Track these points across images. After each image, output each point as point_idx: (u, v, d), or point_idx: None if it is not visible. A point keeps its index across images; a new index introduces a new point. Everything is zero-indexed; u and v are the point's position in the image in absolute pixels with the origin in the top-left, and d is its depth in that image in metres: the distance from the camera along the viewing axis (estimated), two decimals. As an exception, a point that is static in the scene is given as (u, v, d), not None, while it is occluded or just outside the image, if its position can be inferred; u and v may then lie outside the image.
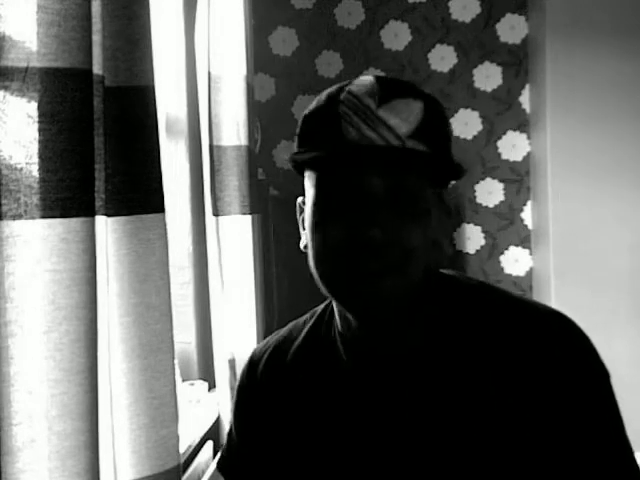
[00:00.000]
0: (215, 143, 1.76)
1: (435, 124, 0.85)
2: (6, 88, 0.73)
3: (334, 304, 0.93)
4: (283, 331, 1.04)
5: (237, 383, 1.07)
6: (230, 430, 1.07)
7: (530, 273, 2.78)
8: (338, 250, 0.82)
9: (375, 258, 0.80)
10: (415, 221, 0.82)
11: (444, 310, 0.89)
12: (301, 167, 0.89)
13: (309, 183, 0.87)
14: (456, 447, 0.84)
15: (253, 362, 1.04)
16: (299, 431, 0.94)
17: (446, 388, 0.86)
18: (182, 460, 1.41)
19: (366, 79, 0.86)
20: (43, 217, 0.76)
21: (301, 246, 0.91)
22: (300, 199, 0.93)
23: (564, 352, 0.84)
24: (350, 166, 0.82)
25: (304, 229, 0.91)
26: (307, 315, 1.03)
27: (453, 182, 0.91)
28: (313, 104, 0.89)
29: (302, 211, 0.92)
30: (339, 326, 0.93)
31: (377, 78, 0.86)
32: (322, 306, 1.01)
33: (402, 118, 0.82)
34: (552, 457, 0.82)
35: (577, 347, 0.85)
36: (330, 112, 0.84)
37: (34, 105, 0.75)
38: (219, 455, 1.09)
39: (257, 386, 1.01)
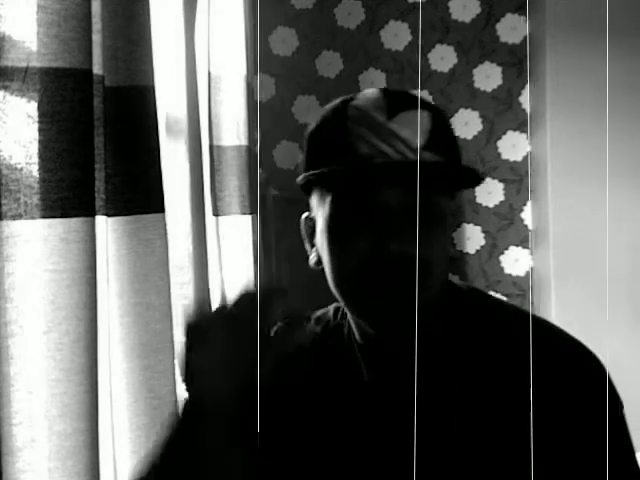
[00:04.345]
0: (215, 143, 1.76)
1: (444, 132, 0.85)
2: (6, 88, 0.74)
3: (350, 317, 0.92)
4: None
5: None
6: None
7: (530, 273, 2.78)
8: (361, 267, 0.81)
9: (399, 272, 0.80)
10: (435, 232, 0.82)
11: (464, 320, 0.89)
12: (308, 185, 0.88)
13: (321, 201, 0.86)
14: (465, 455, 0.84)
15: None
16: (317, 447, 0.93)
17: (457, 395, 0.86)
18: (182, 460, 1.41)
19: (370, 92, 0.85)
20: (43, 217, 0.76)
21: (310, 263, 0.90)
22: (305, 215, 0.92)
23: (579, 377, 0.83)
24: (368, 182, 0.81)
25: (312, 246, 0.90)
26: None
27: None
28: (318, 121, 0.87)
29: (309, 228, 0.91)
30: (357, 336, 0.92)
31: (381, 90, 0.85)
32: (320, 314, 1.00)
33: (413, 130, 0.81)
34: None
35: (592, 373, 0.84)
36: (339, 129, 0.83)
37: (34, 105, 0.75)
38: None
39: None
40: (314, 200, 0.88)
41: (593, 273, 2.48)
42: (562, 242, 2.48)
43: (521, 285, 2.79)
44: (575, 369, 0.84)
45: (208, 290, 1.78)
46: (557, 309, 2.47)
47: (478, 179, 0.86)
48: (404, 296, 0.81)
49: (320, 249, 0.88)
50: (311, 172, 0.85)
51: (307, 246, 0.92)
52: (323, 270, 0.88)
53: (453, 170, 0.84)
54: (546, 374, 0.83)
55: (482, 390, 0.85)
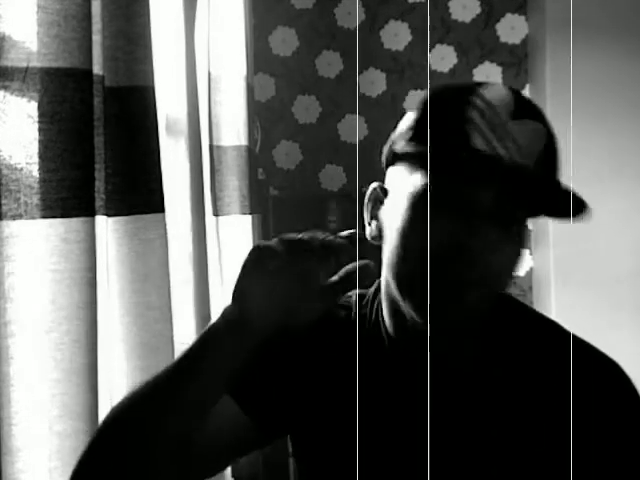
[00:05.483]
0: (215, 143, 1.76)
1: (554, 155, 0.83)
2: (6, 88, 0.74)
3: (385, 306, 0.89)
4: None
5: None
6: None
7: (530, 273, 2.78)
8: (433, 252, 0.78)
9: (468, 268, 0.78)
10: (512, 243, 0.80)
11: (503, 329, 0.89)
12: (395, 156, 0.85)
13: (407, 176, 0.82)
14: (482, 459, 0.84)
15: None
16: (336, 423, 0.91)
17: (486, 403, 0.86)
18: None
19: (500, 89, 0.83)
20: (43, 217, 0.76)
21: (367, 235, 0.86)
22: (376, 185, 0.88)
23: (613, 397, 0.84)
24: (467, 175, 0.78)
25: (372, 217, 0.87)
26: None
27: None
28: (439, 92, 0.84)
29: (376, 198, 0.87)
30: (389, 328, 0.89)
31: (511, 90, 0.83)
32: (360, 294, 0.96)
33: (531, 139, 0.79)
34: None
35: (626, 395, 0.85)
36: (459, 112, 0.79)
37: (34, 105, 0.75)
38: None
39: None
40: (395, 173, 0.85)
41: (593, 273, 2.48)
42: (562, 242, 2.48)
43: (521, 285, 2.79)
44: (605, 386, 0.85)
45: (208, 290, 1.78)
46: (557, 309, 2.46)
47: (583, 209, 0.85)
48: (464, 293, 0.79)
49: (387, 224, 0.84)
50: (417, 146, 0.81)
51: (366, 215, 0.89)
52: (379, 246, 0.85)
53: (550, 193, 0.81)
54: (575, 389, 0.83)
55: (511, 398, 0.85)
